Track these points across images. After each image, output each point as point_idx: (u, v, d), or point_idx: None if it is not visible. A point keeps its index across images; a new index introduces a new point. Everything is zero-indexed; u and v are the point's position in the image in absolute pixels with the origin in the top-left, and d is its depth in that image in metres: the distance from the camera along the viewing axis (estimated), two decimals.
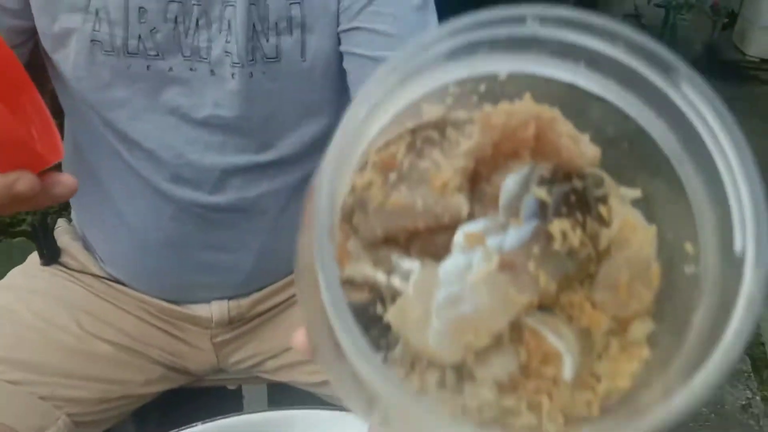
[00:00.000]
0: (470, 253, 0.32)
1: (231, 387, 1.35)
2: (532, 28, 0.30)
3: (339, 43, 0.99)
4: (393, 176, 0.33)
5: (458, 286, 0.32)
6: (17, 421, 1.02)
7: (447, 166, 0.33)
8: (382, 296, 0.34)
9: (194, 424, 0.89)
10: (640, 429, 0.27)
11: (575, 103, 0.34)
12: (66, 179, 0.71)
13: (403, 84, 0.30)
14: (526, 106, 0.34)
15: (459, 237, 0.33)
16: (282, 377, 1.24)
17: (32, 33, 0.99)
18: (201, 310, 1.19)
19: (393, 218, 0.33)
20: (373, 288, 0.34)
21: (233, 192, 1.08)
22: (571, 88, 0.32)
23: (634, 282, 0.34)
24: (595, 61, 0.31)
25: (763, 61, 4.69)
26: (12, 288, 1.17)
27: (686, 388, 0.27)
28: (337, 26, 0.98)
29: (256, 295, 1.20)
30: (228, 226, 1.11)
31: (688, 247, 0.33)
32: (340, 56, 1.00)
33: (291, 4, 0.96)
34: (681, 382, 0.28)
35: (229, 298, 1.19)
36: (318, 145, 1.09)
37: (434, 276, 0.32)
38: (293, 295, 1.21)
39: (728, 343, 0.28)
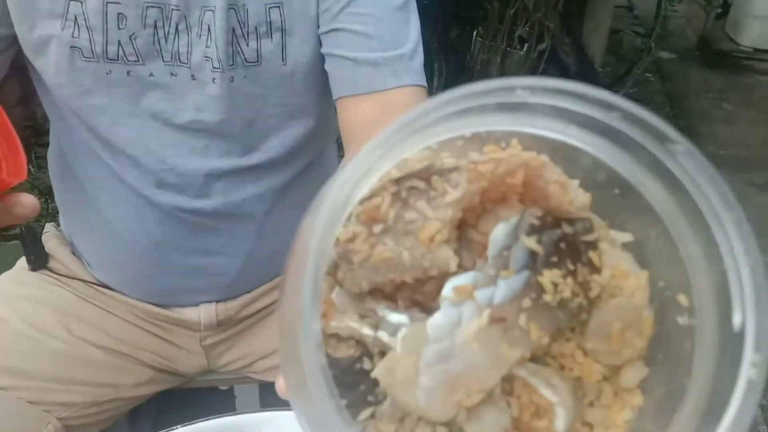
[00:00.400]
0: (459, 307, 0.31)
1: (222, 387, 1.35)
2: (521, 97, 0.29)
3: (320, 45, 0.98)
4: (378, 228, 0.32)
5: (448, 342, 0.30)
6: (5, 425, 1.01)
7: (433, 217, 0.32)
8: (370, 351, 0.33)
9: (174, 427, 0.87)
10: None
11: (565, 149, 0.32)
12: (27, 200, 0.70)
13: (389, 153, 0.29)
14: (513, 153, 0.33)
15: (447, 290, 0.32)
16: (272, 377, 1.23)
17: (13, 40, 0.97)
18: (189, 313, 1.17)
19: (379, 272, 0.32)
20: (360, 342, 0.33)
21: (218, 196, 1.06)
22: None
23: (627, 330, 0.33)
24: (588, 124, 0.30)
25: (756, 50, 4.65)
26: (0, 295, 1.15)
27: None
28: (318, 29, 0.97)
29: (244, 298, 1.18)
30: (214, 230, 1.09)
31: (682, 298, 0.32)
32: (322, 59, 0.99)
33: (270, 8, 0.94)
34: None
35: (217, 301, 1.17)
36: (301, 148, 1.08)
37: (422, 331, 0.31)
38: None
39: (728, 428, 0.27)
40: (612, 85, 3.64)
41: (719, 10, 4.67)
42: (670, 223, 0.32)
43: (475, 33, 3.10)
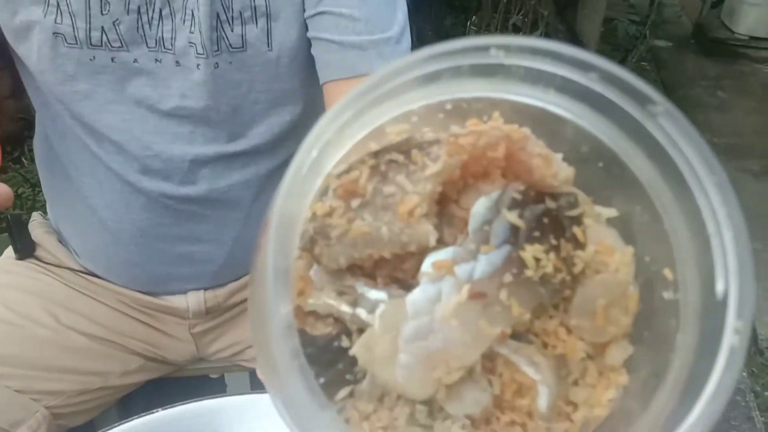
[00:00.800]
0: (439, 283, 0.30)
1: (213, 376, 1.34)
2: (496, 57, 0.28)
3: (306, 30, 0.97)
4: (356, 203, 0.31)
5: (427, 319, 0.30)
6: None
7: (413, 191, 0.31)
8: (348, 328, 0.32)
9: (155, 410, 0.87)
10: None
11: (548, 121, 0.32)
12: (1, 189, 0.70)
13: (362, 118, 0.28)
14: (495, 126, 0.32)
15: (427, 266, 0.31)
16: None
17: None
18: (177, 301, 1.17)
19: (357, 247, 0.31)
20: (338, 319, 0.32)
21: (204, 183, 1.06)
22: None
23: (611, 307, 0.32)
24: (566, 88, 0.29)
25: (752, 38, 4.64)
26: None
27: None
28: (303, 13, 0.96)
29: (232, 285, 1.18)
30: (200, 217, 1.09)
31: (667, 272, 0.32)
32: (308, 44, 0.98)
33: None
34: None
35: (205, 289, 1.16)
36: (288, 135, 1.07)
37: (401, 308, 0.30)
38: None
39: (709, 398, 0.26)
40: None
41: None
42: (653, 192, 0.31)
43: (469, 22, 3.10)
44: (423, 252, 0.32)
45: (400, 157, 0.32)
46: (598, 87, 0.29)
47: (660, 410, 0.29)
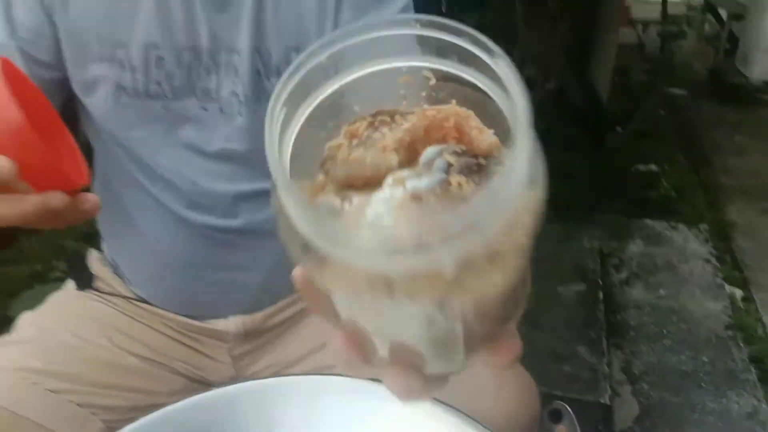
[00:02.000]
0: (394, 190, 0.47)
1: None
2: (415, 28, 0.47)
3: None
4: (355, 142, 0.50)
5: (383, 208, 0.46)
6: (59, 425, 1.11)
7: (389, 136, 0.50)
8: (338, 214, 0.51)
9: (176, 401, 0.95)
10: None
11: (484, 106, 0.49)
12: (91, 197, 0.85)
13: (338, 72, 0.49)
14: (450, 106, 0.51)
15: (389, 179, 0.48)
16: None
17: (63, 82, 1.13)
18: (218, 324, 1.30)
19: (352, 168, 0.49)
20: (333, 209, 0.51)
21: (244, 216, 1.20)
22: (483, 96, 0.49)
23: None
24: (464, 56, 0.48)
25: (766, 83, 4.79)
26: (51, 311, 1.29)
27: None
28: None
29: (269, 309, 1.31)
30: (240, 246, 1.23)
31: None
32: None
33: (291, 51, 1.11)
34: None
35: (245, 313, 1.30)
36: None
37: (369, 201, 0.47)
38: (305, 308, 1.32)
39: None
40: (621, 120, 3.79)
41: (728, 46, 4.80)
42: (510, 120, 0.48)
43: None
44: (389, 173, 0.51)
45: (388, 118, 0.51)
46: (473, 49, 0.47)
47: None
